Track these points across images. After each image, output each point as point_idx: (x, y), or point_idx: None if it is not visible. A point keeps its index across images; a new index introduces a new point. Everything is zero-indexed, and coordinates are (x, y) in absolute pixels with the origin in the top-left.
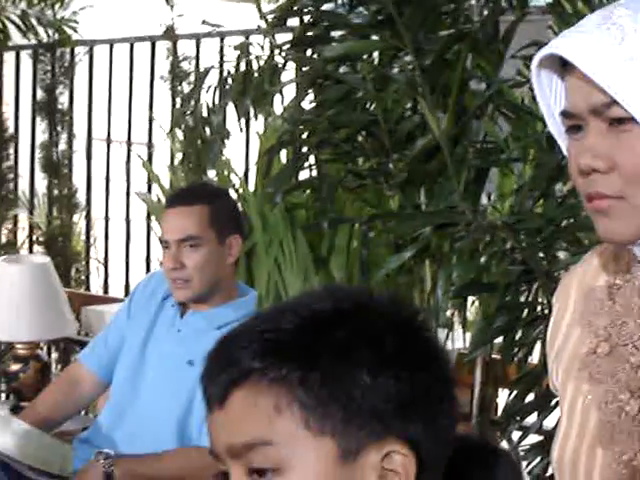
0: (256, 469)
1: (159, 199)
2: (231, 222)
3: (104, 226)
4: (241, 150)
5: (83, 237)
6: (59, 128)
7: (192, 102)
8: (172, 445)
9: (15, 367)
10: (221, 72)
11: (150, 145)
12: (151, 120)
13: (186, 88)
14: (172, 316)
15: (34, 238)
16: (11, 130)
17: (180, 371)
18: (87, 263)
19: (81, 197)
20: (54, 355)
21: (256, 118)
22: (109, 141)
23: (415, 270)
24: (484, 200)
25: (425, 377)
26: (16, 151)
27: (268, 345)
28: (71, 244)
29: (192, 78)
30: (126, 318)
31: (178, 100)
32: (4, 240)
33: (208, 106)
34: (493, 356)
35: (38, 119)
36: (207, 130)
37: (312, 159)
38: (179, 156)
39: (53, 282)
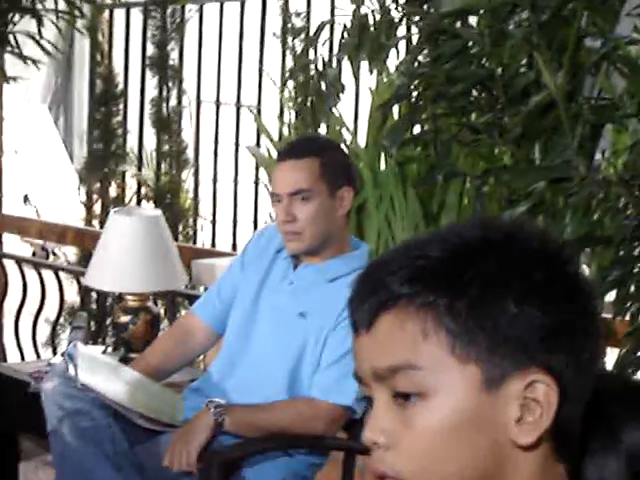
0: (401, 393)
1: (269, 153)
2: (342, 174)
3: (212, 184)
4: (350, 106)
5: (191, 194)
6: (169, 84)
7: (306, 57)
8: (282, 396)
9: (125, 318)
10: (332, 28)
11: (260, 100)
12: (261, 74)
13: (297, 45)
14: (285, 269)
15: (142, 194)
16: (121, 86)
17: (292, 323)
18: (195, 220)
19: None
20: (161, 308)
21: (371, 72)
22: (218, 103)
23: None
24: (598, 156)
25: (570, 310)
26: (125, 107)
27: (417, 272)
28: (179, 201)
29: (303, 35)
30: (239, 270)
31: (288, 57)
32: (113, 196)
33: (324, 60)
34: (602, 315)
35: (148, 75)
36: (322, 84)
37: (427, 113)
38: (290, 113)
39: (164, 235)
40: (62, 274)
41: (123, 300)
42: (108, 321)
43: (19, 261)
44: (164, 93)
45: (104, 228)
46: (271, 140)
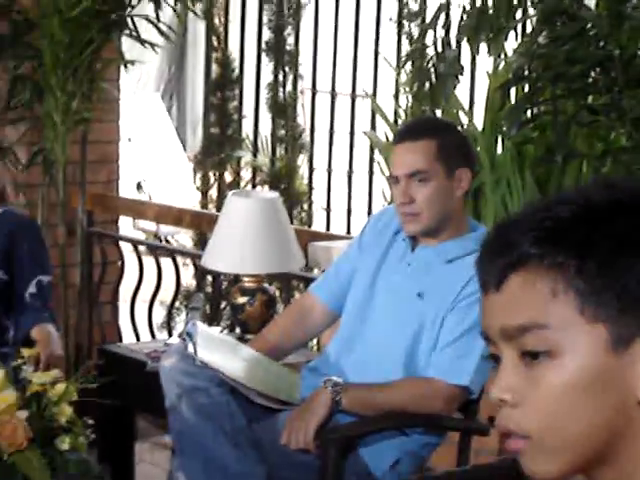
0: (529, 352)
1: (386, 136)
2: (459, 155)
3: (327, 171)
4: (465, 89)
5: (305, 180)
6: (286, 69)
7: (422, 40)
8: (398, 376)
9: (242, 300)
10: (448, 10)
11: (375, 85)
12: (377, 58)
13: (414, 29)
14: (403, 250)
15: (257, 180)
16: (237, 71)
17: (409, 303)
18: (309, 205)
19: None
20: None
21: (489, 54)
22: (334, 93)
23: None
24: None
25: None
26: (241, 92)
27: (546, 232)
28: (294, 186)
29: (419, 19)
30: (357, 251)
31: (404, 42)
32: (228, 180)
33: (443, 42)
34: None
35: (264, 60)
36: (440, 67)
37: (545, 95)
38: (408, 98)
39: (281, 217)
40: (178, 259)
41: (240, 282)
42: (223, 304)
43: (136, 244)
44: (280, 78)
45: (222, 210)
46: (387, 122)
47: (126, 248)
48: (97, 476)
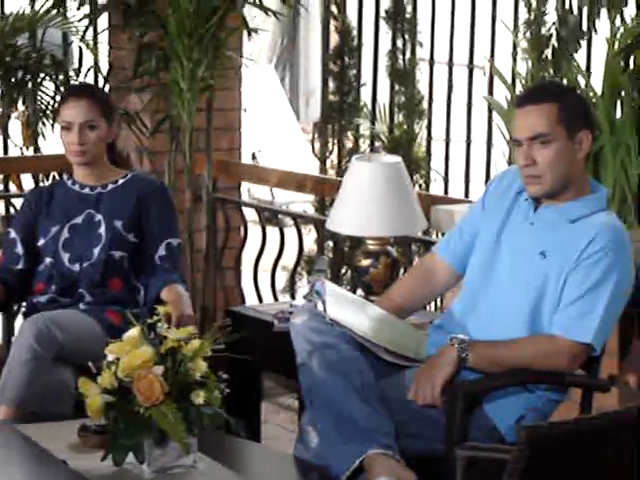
0: None
1: (507, 101)
2: (580, 118)
3: (445, 137)
4: (582, 55)
5: (423, 148)
6: (405, 36)
7: (543, 6)
8: (522, 333)
9: (366, 262)
10: None
11: (493, 50)
12: (494, 24)
13: None
14: (526, 210)
15: (375, 148)
16: (356, 40)
17: (533, 262)
18: (427, 173)
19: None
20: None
21: (610, 20)
22: (451, 64)
23: None
24: None
25: None
26: (359, 60)
27: None
28: (412, 152)
29: None
30: (481, 211)
31: (521, 7)
32: (348, 147)
33: (564, 7)
34: None
35: (383, 28)
36: (562, 32)
37: None
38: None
39: (404, 181)
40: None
41: (363, 245)
42: (343, 269)
43: (259, 210)
44: (399, 45)
45: (345, 175)
46: (507, 86)
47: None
48: (233, 430)
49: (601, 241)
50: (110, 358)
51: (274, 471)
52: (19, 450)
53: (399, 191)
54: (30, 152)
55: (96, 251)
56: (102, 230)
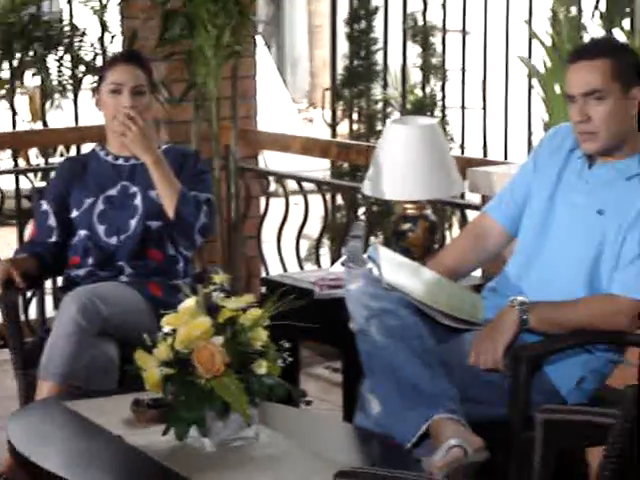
0: None
1: (544, 64)
2: (634, 74)
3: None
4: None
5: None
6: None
7: None
8: (580, 294)
9: (404, 226)
10: None
11: (531, 12)
12: None
13: None
14: (579, 168)
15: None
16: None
17: (590, 220)
18: (462, 135)
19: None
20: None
21: None
22: (464, 34)
23: None
24: None
25: None
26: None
27: None
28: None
29: None
30: (532, 171)
31: None
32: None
33: None
34: None
35: None
36: None
37: None
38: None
39: (441, 143)
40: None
41: (399, 209)
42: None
43: (281, 178)
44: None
45: (380, 139)
46: (545, 47)
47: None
48: (299, 398)
49: None
50: (166, 330)
51: (336, 440)
52: (72, 427)
53: (435, 153)
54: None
55: (133, 222)
56: (138, 201)
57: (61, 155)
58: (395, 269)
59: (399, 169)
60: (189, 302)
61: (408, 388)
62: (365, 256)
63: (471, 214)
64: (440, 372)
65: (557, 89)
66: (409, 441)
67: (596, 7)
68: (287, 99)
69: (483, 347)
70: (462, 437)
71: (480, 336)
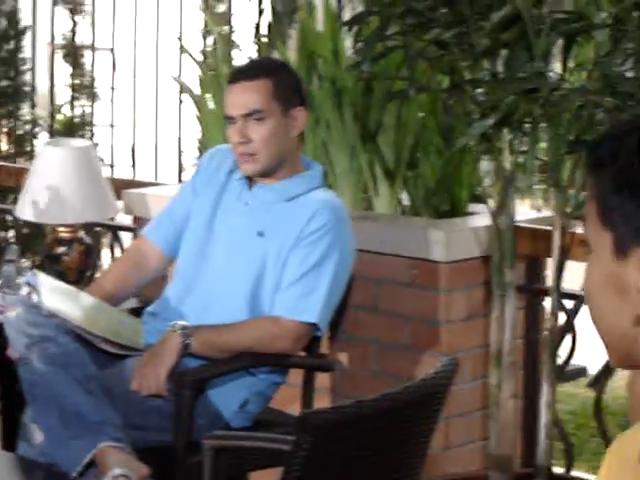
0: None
1: (201, 82)
2: (295, 94)
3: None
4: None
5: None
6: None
7: None
8: (242, 317)
9: (59, 250)
10: None
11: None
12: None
13: None
14: (239, 190)
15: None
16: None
17: (250, 242)
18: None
19: None
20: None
21: None
22: (113, 53)
23: (494, 138)
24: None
25: None
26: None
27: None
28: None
29: None
30: (192, 192)
31: None
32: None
33: None
34: None
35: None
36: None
37: (395, 28)
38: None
39: (95, 165)
40: None
41: (56, 231)
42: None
43: None
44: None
45: (34, 160)
46: (198, 63)
47: None
48: None
49: (321, 219)
50: None
51: None
52: None
53: (89, 176)
54: None
55: None
56: None
57: None
58: (54, 295)
59: (54, 192)
60: None
61: (71, 416)
62: (23, 281)
63: (125, 236)
64: (103, 400)
65: (211, 106)
66: (75, 470)
67: (257, 28)
68: None
69: (145, 372)
70: (127, 466)
71: (142, 361)
